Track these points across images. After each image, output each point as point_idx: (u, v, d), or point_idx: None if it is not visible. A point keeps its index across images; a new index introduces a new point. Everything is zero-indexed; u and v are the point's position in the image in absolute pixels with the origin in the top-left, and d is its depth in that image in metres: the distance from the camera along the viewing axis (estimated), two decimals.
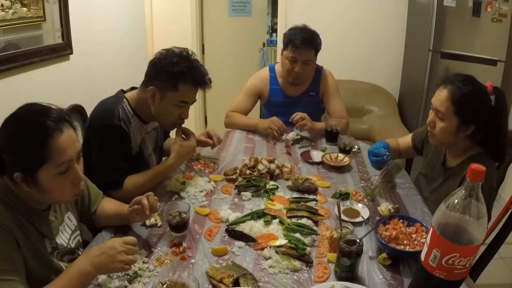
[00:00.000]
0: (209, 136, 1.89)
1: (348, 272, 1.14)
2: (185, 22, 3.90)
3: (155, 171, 1.62)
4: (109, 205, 1.41)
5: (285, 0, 3.61)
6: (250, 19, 4.37)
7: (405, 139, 1.91)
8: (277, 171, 1.75)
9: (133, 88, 1.69)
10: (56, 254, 1.16)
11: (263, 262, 1.22)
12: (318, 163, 1.92)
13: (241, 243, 1.30)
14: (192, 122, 4.14)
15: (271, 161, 1.78)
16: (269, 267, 1.19)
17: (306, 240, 1.29)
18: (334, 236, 1.27)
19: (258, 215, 1.43)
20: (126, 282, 1.11)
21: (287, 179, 1.73)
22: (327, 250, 1.28)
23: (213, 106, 4.40)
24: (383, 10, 3.52)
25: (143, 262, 1.19)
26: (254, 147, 2.10)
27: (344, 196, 1.60)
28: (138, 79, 1.62)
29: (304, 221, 1.40)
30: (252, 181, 1.64)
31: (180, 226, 1.32)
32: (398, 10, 3.51)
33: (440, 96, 1.44)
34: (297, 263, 1.20)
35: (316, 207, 1.50)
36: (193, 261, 1.22)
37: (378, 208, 1.51)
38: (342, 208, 1.45)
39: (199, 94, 1.61)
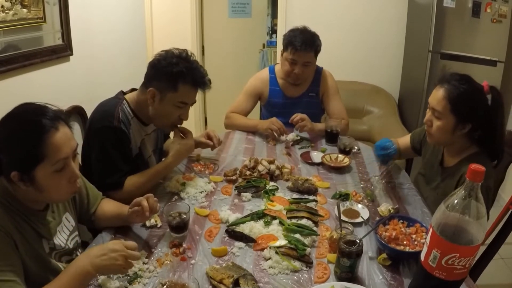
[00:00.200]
0: (209, 137, 1.89)
1: (348, 273, 1.14)
2: (185, 23, 3.91)
3: (154, 171, 1.62)
4: (109, 206, 1.41)
5: (285, 1, 3.61)
6: (250, 20, 4.38)
7: (404, 140, 1.92)
8: (277, 172, 1.75)
9: (133, 90, 1.69)
10: (54, 254, 1.16)
11: (263, 262, 1.22)
12: (318, 164, 1.92)
13: (241, 244, 1.30)
14: (192, 123, 4.14)
15: (271, 162, 1.78)
16: (269, 268, 1.19)
17: (306, 240, 1.29)
18: (334, 236, 1.27)
19: (258, 216, 1.43)
20: (126, 283, 1.11)
21: (287, 180, 1.73)
22: (327, 251, 1.28)
23: (213, 107, 4.40)
24: (383, 11, 3.53)
25: (143, 263, 1.19)
26: (254, 148, 2.10)
27: (344, 196, 1.60)
28: (138, 80, 1.62)
29: (304, 221, 1.40)
30: (252, 182, 1.64)
31: (180, 227, 1.32)
32: (398, 11, 3.51)
33: (437, 95, 1.45)
34: (297, 264, 1.20)
35: (316, 208, 1.51)
36: (193, 261, 1.22)
37: (378, 208, 1.51)
38: (342, 209, 1.45)
39: (199, 95, 1.61)
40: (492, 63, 2.93)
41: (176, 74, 1.50)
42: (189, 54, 1.57)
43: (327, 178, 1.79)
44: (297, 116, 2.13)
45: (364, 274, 1.18)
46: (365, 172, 1.85)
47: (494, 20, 2.85)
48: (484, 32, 2.91)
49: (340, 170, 1.86)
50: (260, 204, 1.54)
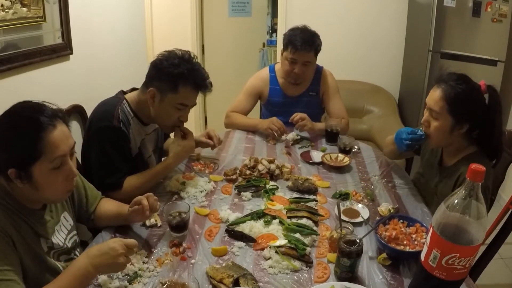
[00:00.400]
0: (209, 137, 1.89)
1: (348, 272, 1.14)
2: (185, 22, 3.90)
3: (154, 171, 1.62)
4: (109, 206, 1.41)
5: (285, 0, 3.61)
6: (250, 19, 4.37)
7: None
8: (277, 171, 1.75)
9: (133, 89, 1.69)
10: (52, 254, 1.16)
11: (263, 262, 1.22)
12: (318, 163, 1.92)
13: (241, 243, 1.30)
14: (192, 123, 4.14)
15: (271, 162, 1.78)
16: (269, 267, 1.19)
17: (306, 240, 1.29)
18: (334, 236, 1.27)
19: (258, 215, 1.43)
20: (126, 282, 1.11)
21: (287, 179, 1.73)
22: (327, 250, 1.28)
23: (213, 107, 4.40)
24: (383, 10, 3.52)
25: (143, 262, 1.19)
26: (254, 147, 2.10)
27: (344, 196, 1.60)
28: (138, 79, 1.62)
29: (304, 221, 1.40)
30: (252, 181, 1.64)
31: (180, 226, 1.32)
32: (398, 10, 3.51)
33: (434, 96, 1.45)
34: (297, 263, 1.20)
35: (316, 207, 1.51)
36: (193, 261, 1.22)
37: (378, 208, 1.51)
38: (342, 208, 1.45)
39: (199, 94, 1.61)
40: (492, 62, 2.93)
41: (177, 76, 1.50)
42: (192, 56, 1.57)
43: (327, 178, 1.79)
44: (297, 116, 2.13)
45: (364, 274, 1.18)
46: (365, 172, 1.85)
47: (495, 20, 2.85)
48: (484, 32, 2.91)
49: (340, 169, 1.86)
50: (260, 204, 1.54)
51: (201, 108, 4.32)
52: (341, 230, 1.27)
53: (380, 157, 2.01)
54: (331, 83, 2.36)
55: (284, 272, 1.18)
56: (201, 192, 1.60)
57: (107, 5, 2.62)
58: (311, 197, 1.59)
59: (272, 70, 2.40)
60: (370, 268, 1.20)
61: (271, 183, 1.69)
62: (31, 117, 1.02)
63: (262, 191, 1.61)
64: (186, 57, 1.55)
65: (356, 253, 1.12)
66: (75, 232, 1.30)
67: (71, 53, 2.22)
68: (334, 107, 2.34)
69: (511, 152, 1.65)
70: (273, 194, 1.60)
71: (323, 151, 2.04)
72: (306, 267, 1.20)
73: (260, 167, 1.75)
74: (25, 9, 1.82)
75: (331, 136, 2.14)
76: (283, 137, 2.18)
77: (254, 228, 1.34)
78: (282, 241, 1.27)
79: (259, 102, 2.48)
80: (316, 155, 1.97)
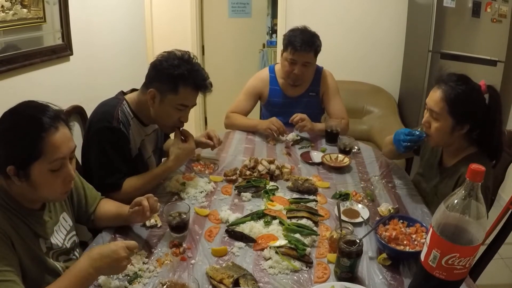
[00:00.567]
0: (209, 137, 1.89)
1: (348, 273, 1.14)
2: (185, 23, 3.90)
3: (154, 174, 1.61)
4: (109, 206, 1.41)
5: (285, 1, 3.61)
6: (250, 20, 4.37)
7: None
8: (277, 172, 1.75)
9: (133, 90, 1.69)
10: (51, 254, 1.16)
11: (263, 262, 1.22)
12: (318, 164, 1.92)
13: (241, 244, 1.30)
14: (192, 123, 4.14)
15: (271, 162, 1.78)
16: (269, 268, 1.19)
17: (306, 240, 1.29)
18: (334, 236, 1.27)
19: (258, 215, 1.43)
20: (126, 283, 1.11)
21: (287, 180, 1.73)
22: (327, 251, 1.28)
23: (213, 107, 4.40)
24: (383, 11, 3.52)
25: (143, 263, 1.19)
26: (254, 148, 2.10)
27: (344, 196, 1.60)
28: (138, 80, 1.62)
29: (304, 221, 1.40)
30: (252, 182, 1.64)
31: (180, 226, 1.32)
32: (398, 11, 3.51)
33: (434, 97, 1.45)
34: (297, 264, 1.20)
35: (316, 208, 1.51)
36: (193, 261, 1.22)
37: (378, 208, 1.51)
38: (342, 209, 1.45)
39: (199, 95, 1.62)
40: (492, 63, 2.93)
41: (177, 76, 1.50)
42: (191, 56, 1.57)
43: (327, 178, 1.79)
44: (297, 116, 2.13)
45: (364, 274, 1.18)
46: (365, 172, 1.85)
47: (494, 20, 2.85)
48: (484, 32, 2.91)
49: (340, 170, 1.86)
50: (260, 204, 1.54)
51: (201, 108, 4.32)
52: (341, 231, 1.27)
53: (380, 158, 2.01)
54: (331, 84, 2.36)
55: (284, 273, 1.18)
56: (201, 192, 1.61)
57: (107, 6, 2.63)
58: (311, 197, 1.59)
59: (272, 70, 2.40)
60: (370, 268, 1.20)
61: (271, 183, 1.69)
62: (34, 117, 1.02)
63: (262, 191, 1.61)
64: (186, 57, 1.55)
65: (356, 253, 1.12)
66: (74, 232, 1.30)
67: (71, 54, 2.23)
68: (334, 108, 2.34)
69: (511, 152, 1.65)
70: (273, 194, 1.60)
71: (323, 151, 2.04)
72: (306, 267, 1.20)
73: (260, 167, 1.75)
74: (25, 10, 1.82)
75: (331, 137, 2.14)
76: (283, 137, 2.18)
77: (254, 228, 1.34)
78: (282, 242, 1.27)
79: (259, 102, 2.48)
80: (316, 156, 1.98)
